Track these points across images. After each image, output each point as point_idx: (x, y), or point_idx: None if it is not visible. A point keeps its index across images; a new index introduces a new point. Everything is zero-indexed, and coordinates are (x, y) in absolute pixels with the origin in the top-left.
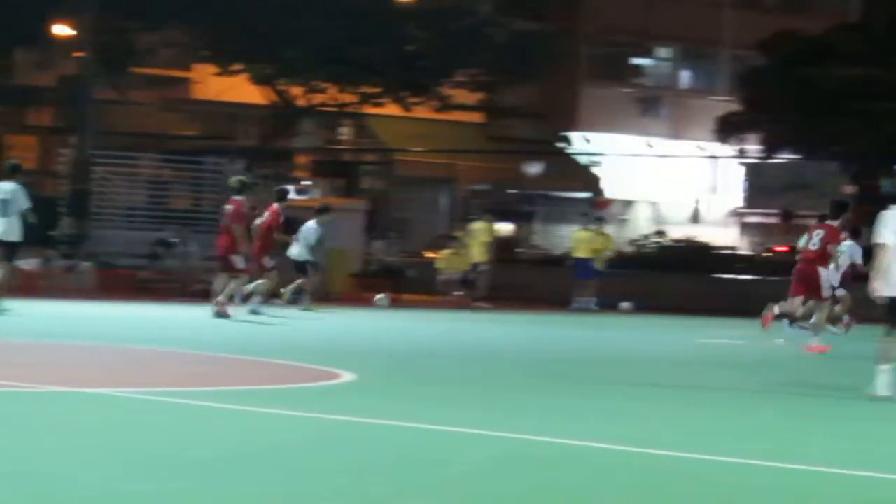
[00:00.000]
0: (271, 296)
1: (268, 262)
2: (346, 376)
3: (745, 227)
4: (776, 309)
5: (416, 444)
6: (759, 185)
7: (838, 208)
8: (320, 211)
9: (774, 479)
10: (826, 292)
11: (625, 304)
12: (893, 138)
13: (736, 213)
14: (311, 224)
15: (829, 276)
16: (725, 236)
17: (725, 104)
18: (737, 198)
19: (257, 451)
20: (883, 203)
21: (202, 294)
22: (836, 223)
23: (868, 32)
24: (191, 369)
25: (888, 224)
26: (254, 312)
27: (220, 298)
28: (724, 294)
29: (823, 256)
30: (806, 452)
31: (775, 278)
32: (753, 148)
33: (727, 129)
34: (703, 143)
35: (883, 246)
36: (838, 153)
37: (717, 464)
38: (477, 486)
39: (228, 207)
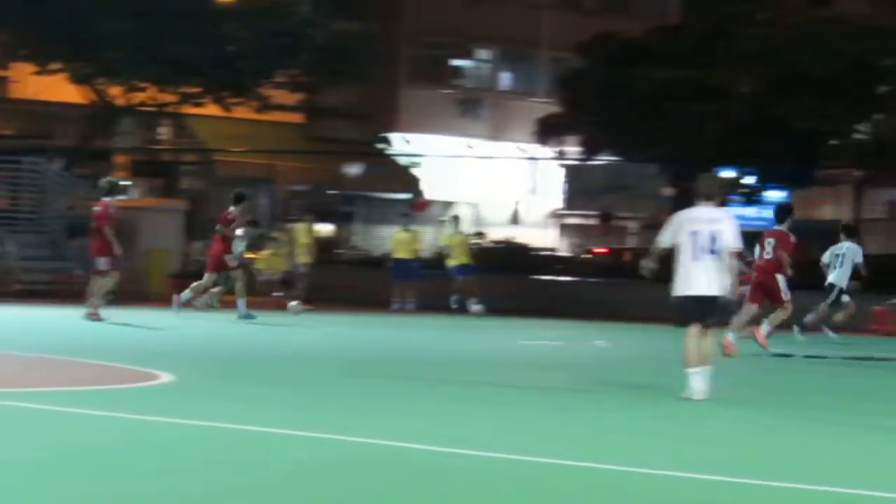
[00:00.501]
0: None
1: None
2: (165, 377)
3: (565, 229)
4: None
5: (235, 445)
6: (579, 187)
7: (783, 212)
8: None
9: (589, 478)
10: (786, 295)
11: (476, 307)
12: (712, 140)
13: (556, 215)
14: None
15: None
16: (545, 237)
17: (545, 106)
18: (557, 199)
19: (72, 452)
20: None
21: (22, 294)
22: (783, 227)
23: (686, 35)
24: (9, 371)
25: (675, 225)
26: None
27: (94, 300)
28: (543, 295)
29: (778, 264)
30: (620, 452)
31: (594, 279)
32: (573, 150)
33: (547, 131)
34: (523, 145)
35: (663, 246)
36: (657, 155)
37: (532, 464)
38: (295, 487)
39: (97, 209)
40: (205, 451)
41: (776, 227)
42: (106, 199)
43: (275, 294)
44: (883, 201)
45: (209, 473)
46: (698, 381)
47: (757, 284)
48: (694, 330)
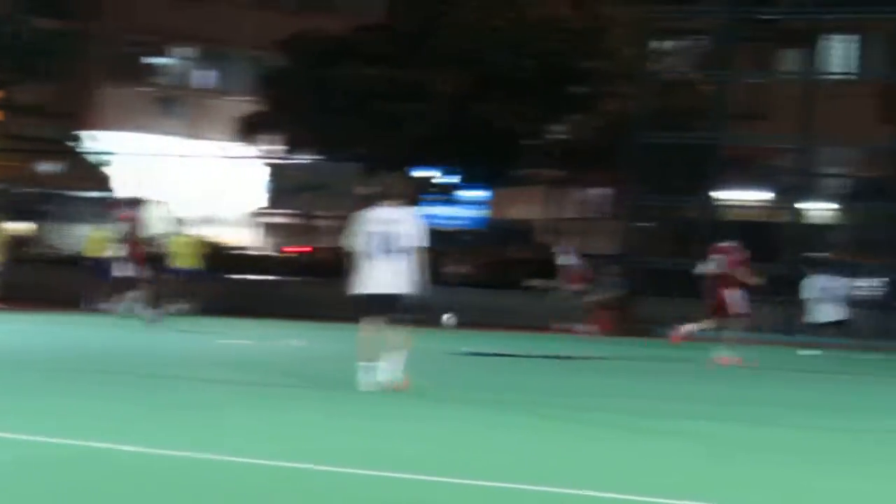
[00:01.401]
0: None
1: None
2: None
3: (267, 228)
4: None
5: None
6: (280, 186)
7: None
8: None
9: (281, 479)
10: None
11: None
12: (413, 139)
13: (257, 214)
14: None
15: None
16: (245, 236)
17: (246, 104)
18: (258, 198)
19: None
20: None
21: None
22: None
23: (391, 33)
24: None
25: (355, 226)
26: None
27: None
28: (239, 294)
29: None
30: (316, 450)
31: (292, 278)
32: (275, 148)
33: (247, 130)
34: (223, 143)
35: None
36: (361, 154)
37: (226, 464)
38: None
39: None
40: None
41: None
42: None
43: None
44: (580, 201)
45: None
46: (369, 375)
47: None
48: (370, 326)
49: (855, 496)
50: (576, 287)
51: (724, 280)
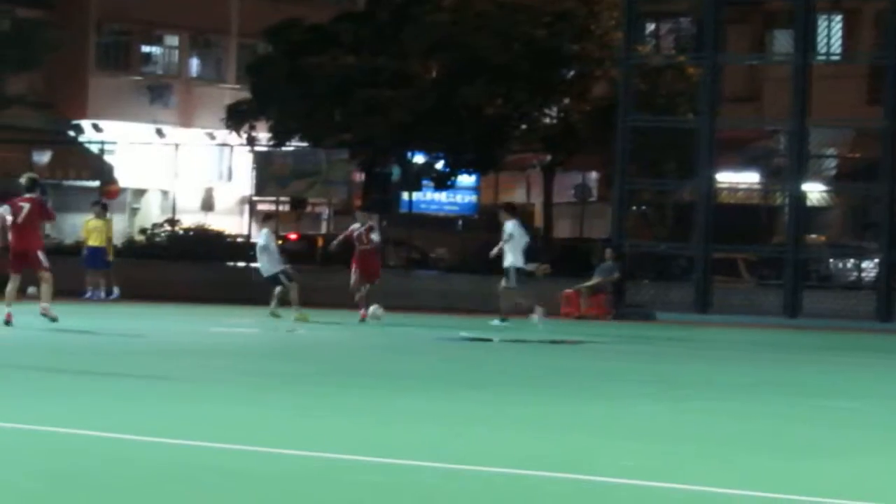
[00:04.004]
0: None
1: None
2: None
3: (258, 216)
4: None
5: None
6: (270, 174)
7: None
8: None
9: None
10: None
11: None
12: (400, 125)
13: (247, 201)
14: None
15: None
16: (238, 224)
17: (235, 92)
18: (248, 186)
19: None
20: (391, 189)
21: None
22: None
23: (373, 21)
24: None
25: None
26: None
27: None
28: (236, 282)
29: None
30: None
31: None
32: (263, 136)
33: (237, 118)
34: (213, 131)
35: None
36: (347, 141)
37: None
38: None
39: (25, 205)
40: None
41: None
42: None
43: None
44: (571, 185)
45: None
46: None
47: None
48: None
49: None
50: None
51: None
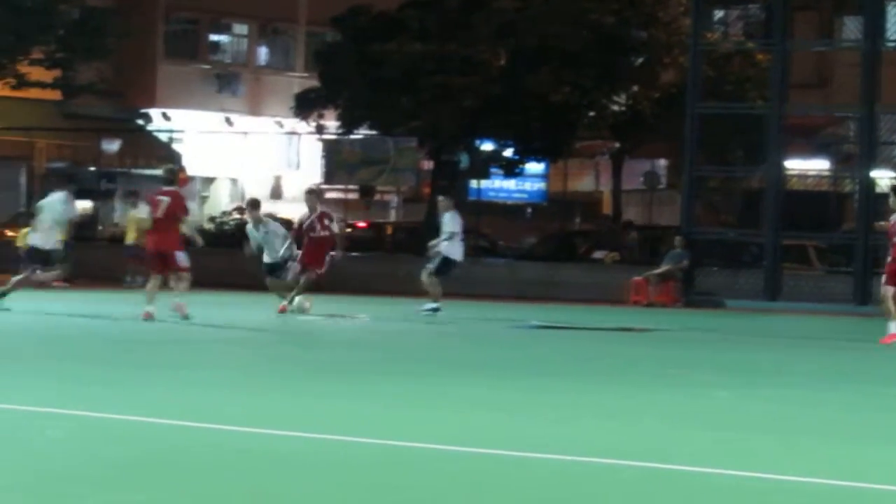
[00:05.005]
0: None
1: None
2: None
3: (326, 204)
4: None
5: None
6: (338, 162)
7: None
8: None
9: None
10: None
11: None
12: (468, 112)
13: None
14: None
15: None
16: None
17: (303, 80)
18: (316, 174)
19: None
20: (460, 177)
21: None
22: None
23: (441, 8)
24: None
25: None
26: None
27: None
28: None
29: None
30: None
31: (355, 254)
32: (331, 124)
33: (305, 106)
34: (282, 120)
35: None
36: (415, 129)
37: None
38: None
39: (163, 199)
40: None
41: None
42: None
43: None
44: (640, 173)
45: None
46: None
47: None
48: None
49: None
50: None
51: None
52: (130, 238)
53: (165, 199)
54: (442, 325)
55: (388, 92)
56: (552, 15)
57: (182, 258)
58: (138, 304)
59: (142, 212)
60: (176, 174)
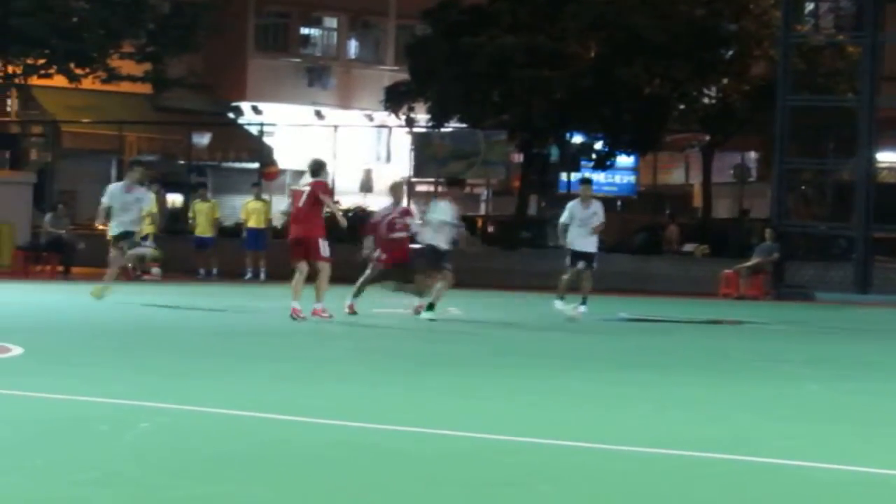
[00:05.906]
0: None
1: None
2: (15, 350)
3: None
4: None
5: (86, 417)
6: (428, 155)
7: None
8: None
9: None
10: None
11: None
12: (559, 105)
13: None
14: None
15: None
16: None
17: (393, 74)
18: (406, 167)
19: None
20: (550, 170)
21: None
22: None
23: (531, 1)
24: None
25: None
26: None
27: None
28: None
29: None
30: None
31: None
32: (421, 117)
33: (395, 99)
34: (372, 113)
35: None
36: (506, 121)
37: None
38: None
39: (305, 189)
40: (57, 422)
41: None
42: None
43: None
44: (731, 165)
45: (59, 444)
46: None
47: None
48: None
49: None
50: None
51: None
52: (205, 231)
53: (307, 189)
54: (531, 318)
55: (479, 85)
56: (643, 7)
57: (324, 247)
58: (214, 297)
59: (205, 205)
60: (321, 166)
